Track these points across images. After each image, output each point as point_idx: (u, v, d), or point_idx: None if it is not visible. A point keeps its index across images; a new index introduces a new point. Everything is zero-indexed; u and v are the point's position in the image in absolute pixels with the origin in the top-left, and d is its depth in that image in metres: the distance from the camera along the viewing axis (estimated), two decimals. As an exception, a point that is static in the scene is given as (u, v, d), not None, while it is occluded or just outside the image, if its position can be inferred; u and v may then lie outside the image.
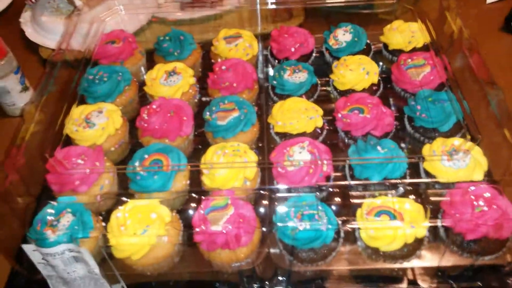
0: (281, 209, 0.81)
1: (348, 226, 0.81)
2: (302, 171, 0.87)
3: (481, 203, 0.78)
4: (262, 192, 0.88)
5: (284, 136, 0.99)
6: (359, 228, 0.81)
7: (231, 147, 0.92)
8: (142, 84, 1.13)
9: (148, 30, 1.32)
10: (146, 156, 0.91)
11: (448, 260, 0.83)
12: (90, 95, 1.05)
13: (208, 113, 1.00)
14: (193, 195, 0.87)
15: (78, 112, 1.00)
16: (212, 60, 1.20)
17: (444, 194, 0.86)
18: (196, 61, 1.19)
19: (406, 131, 1.01)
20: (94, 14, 1.18)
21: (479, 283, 0.83)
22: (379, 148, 0.89)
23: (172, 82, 1.07)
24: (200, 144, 1.04)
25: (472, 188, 0.81)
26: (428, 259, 0.83)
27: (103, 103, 1.03)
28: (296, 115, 0.98)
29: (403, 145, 0.98)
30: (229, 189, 0.86)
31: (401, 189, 0.88)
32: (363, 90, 1.06)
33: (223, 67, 1.08)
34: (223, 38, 1.18)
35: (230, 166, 0.88)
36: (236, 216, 0.79)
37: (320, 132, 0.99)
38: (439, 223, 0.81)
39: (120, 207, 0.82)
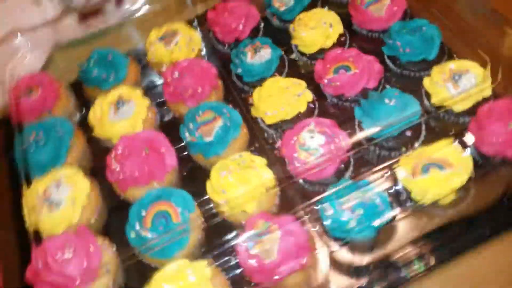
0: (326, 209, 0.71)
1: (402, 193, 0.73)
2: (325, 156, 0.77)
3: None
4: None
5: (278, 126, 0.87)
6: (408, 192, 0.74)
7: (233, 161, 0.79)
8: (85, 128, 0.93)
9: (59, 59, 1.08)
10: (144, 212, 0.74)
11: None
12: (34, 167, 0.83)
13: (187, 133, 0.84)
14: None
15: (32, 195, 0.78)
16: (156, 70, 1.02)
17: (466, 122, 0.82)
18: (137, 78, 1.00)
19: (393, 71, 0.94)
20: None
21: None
22: (386, 101, 0.81)
23: (125, 114, 0.88)
24: (186, 170, 0.89)
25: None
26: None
27: (54, 171, 0.82)
28: (282, 97, 0.86)
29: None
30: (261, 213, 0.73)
31: (423, 134, 0.82)
32: (333, 46, 0.96)
33: (176, 74, 0.92)
34: (158, 40, 1.00)
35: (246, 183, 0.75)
36: (286, 236, 0.68)
37: (313, 106, 0.88)
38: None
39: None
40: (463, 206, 0.75)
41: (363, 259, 0.74)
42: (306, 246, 0.69)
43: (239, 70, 0.94)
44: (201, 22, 1.06)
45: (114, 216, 0.84)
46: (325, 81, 0.89)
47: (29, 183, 0.81)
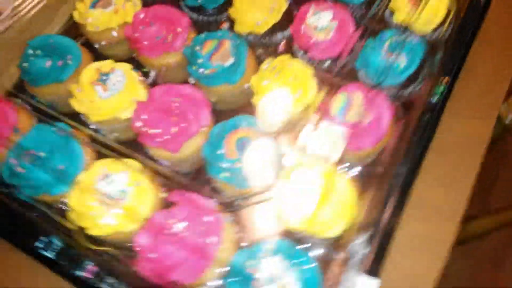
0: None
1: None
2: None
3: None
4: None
5: (268, 33, 0.85)
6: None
7: (266, 71, 0.76)
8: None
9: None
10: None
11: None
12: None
13: (201, 69, 0.76)
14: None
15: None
16: (104, 42, 0.87)
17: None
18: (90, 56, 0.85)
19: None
20: None
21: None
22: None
23: (117, 85, 0.75)
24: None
25: None
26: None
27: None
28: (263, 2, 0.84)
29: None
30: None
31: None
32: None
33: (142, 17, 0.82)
34: (91, 7, 0.85)
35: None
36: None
37: None
38: None
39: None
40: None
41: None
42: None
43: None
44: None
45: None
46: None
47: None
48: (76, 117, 0.77)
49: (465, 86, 0.80)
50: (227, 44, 0.78)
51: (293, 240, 0.62)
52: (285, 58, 0.77)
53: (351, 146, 0.70)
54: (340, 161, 0.66)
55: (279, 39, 0.87)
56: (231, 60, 0.76)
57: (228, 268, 0.60)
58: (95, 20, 0.85)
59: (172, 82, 0.78)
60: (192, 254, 0.59)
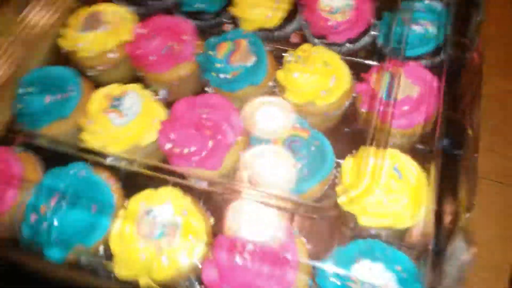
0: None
1: None
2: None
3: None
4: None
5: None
6: None
7: (290, 63, 0.69)
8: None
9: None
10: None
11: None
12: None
13: (222, 74, 0.69)
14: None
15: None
16: (100, 64, 0.78)
17: None
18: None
19: None
20: None
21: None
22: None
23: (131, 109, 0.67)
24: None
25: None
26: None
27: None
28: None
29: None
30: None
31: None
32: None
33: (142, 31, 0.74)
34: (81, 31, 0.76)
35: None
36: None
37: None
38: None
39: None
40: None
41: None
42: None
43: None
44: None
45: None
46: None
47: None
48: (89, 152, 0.68)
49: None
50: (244, 43, 0.71)
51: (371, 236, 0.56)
52: (307, 47, 0.72)
53: (404, 124, 0.65)
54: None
55: (290, 30, 0.81)
56: (253, 59, 0.69)
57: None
58: (88, 44, 0.76)
59: (186, 95, 0.71)
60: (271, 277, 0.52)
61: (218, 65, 0.70)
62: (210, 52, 0.71)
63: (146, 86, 0.75)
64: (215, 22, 0.83)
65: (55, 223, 0.57)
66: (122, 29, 0.77)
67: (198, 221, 0.57)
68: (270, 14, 0.77)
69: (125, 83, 0.72)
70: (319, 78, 0.67)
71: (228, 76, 0.69)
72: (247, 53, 0.70)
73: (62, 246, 0.58)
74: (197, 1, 0.81)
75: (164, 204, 0.57)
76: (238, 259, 0.51)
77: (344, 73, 0.69)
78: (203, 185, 0.64)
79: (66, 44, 0.77)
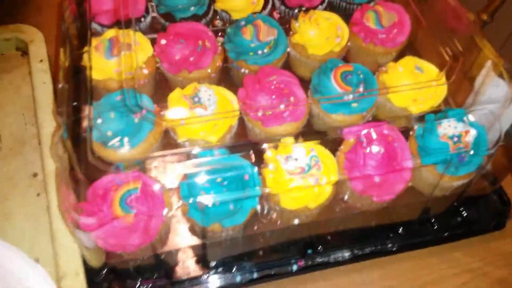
0: None
1: None
2: None
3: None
4: None
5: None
6: None
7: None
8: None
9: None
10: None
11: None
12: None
13: (256, 54, 0.82)
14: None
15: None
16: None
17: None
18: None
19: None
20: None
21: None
22: None
23: (212, 98, 0.75)
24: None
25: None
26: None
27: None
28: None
29: None
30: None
31: None
32: None
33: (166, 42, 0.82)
34: (106, 55, 0.80)
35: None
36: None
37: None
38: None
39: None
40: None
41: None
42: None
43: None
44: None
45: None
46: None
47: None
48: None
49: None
50: (260, 22, 0.85)
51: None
52: (303, 14, 0.88)
53: (398, 42, 0.88)
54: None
55: (270, 9, 0.97)
56: (275, 32, 0.84)
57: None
58: (121, 68, 0.79)
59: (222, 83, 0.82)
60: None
61: (252, 45, 0.82)
62: (237, 39, 0.83)
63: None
64: (205, 22, 0.93)
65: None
66: (142, 46, 0.83)
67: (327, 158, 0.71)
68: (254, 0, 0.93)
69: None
70: (329, 29, 0.86)
71: (266, 51, 0.83)
72: (269, 28, 0.84)
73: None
74: (190, 6, 0.90)
75: (296, 148, 0.69)
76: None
77: (341, 21, 0.90)
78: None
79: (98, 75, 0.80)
